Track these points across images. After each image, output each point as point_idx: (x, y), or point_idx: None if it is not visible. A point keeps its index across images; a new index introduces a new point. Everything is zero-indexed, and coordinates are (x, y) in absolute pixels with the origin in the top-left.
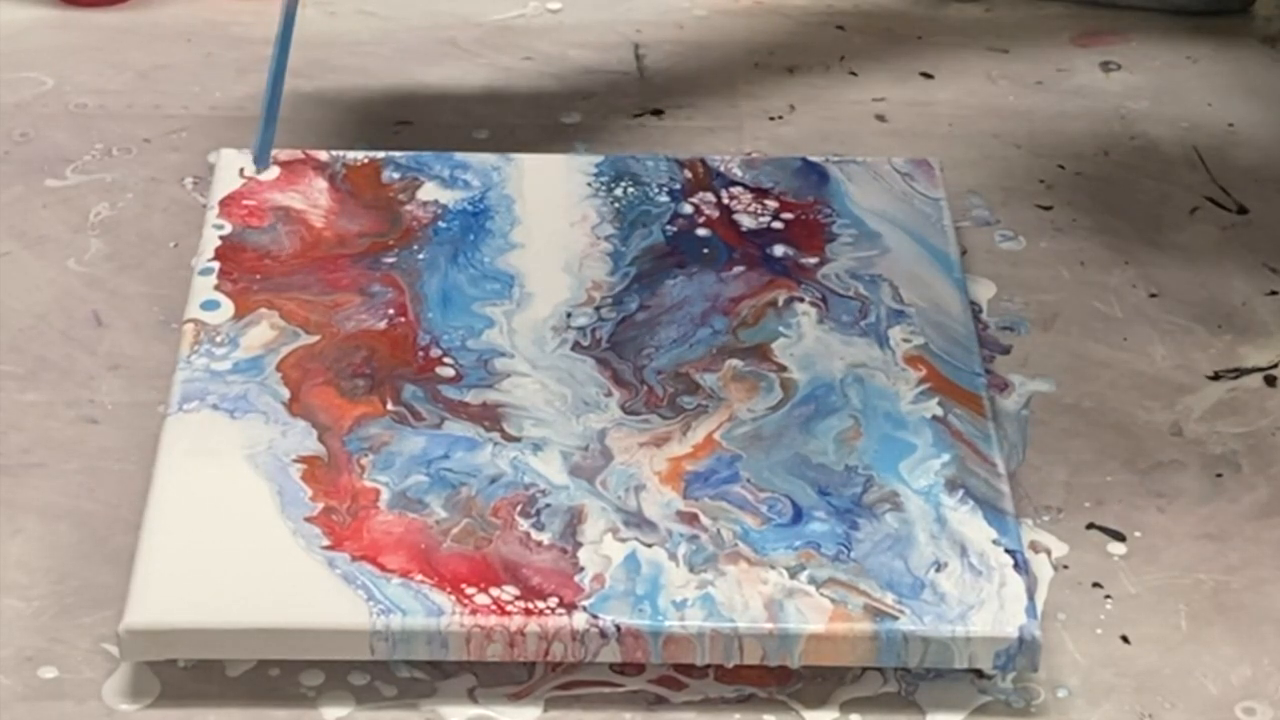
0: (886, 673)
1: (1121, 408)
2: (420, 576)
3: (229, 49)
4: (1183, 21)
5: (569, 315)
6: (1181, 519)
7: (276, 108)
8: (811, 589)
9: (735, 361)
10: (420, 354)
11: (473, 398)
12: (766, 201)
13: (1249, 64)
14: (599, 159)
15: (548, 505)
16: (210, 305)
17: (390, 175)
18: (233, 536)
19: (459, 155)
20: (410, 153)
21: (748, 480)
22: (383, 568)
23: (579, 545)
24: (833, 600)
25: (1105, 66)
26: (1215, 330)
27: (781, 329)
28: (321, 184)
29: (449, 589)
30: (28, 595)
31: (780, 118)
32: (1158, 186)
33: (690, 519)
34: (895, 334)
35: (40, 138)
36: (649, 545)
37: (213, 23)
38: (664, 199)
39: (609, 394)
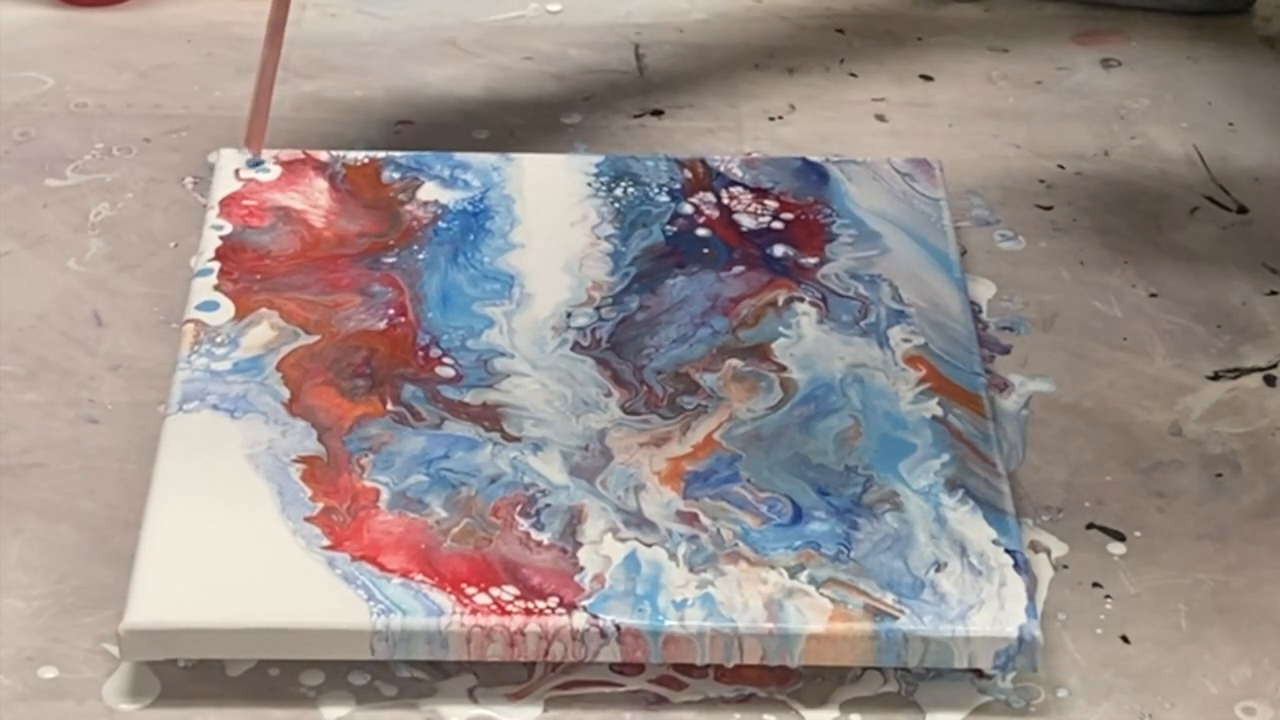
0: (886, 672)
1: (1121, 408)
2: (420, 576)
3: (229, 49)
4: (1183, 21)
5: (569, 315)
6: (1181, 519)
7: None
8: (811, 589)
9: (735, 361)
10: (420, 354)
11: (473, 398)
12: (766, 201)
13: (1249, 64)
14: (599, 159)
15: (548, 505)
16: (210, 305)
17: (390, 175)
18: (233, 536)
19: (459, 155)
20: (410, 153)
21: (747, 480)
22: (383, 568)
23: (579, 545)
24: (833, 600)
25: (1105, 66)
26: (1215, 330)
27: (781, 329)
28: (321, 184)
29: (449, 589)
30: (28, 595)
31: (780, 118)
32: (1158, 186)
33: (690, 519)
34: (895, 334)
35: (40, 138)
36: (649, 545)
37: (213, 23)
38: (664, 199)
39: (609, 394)
